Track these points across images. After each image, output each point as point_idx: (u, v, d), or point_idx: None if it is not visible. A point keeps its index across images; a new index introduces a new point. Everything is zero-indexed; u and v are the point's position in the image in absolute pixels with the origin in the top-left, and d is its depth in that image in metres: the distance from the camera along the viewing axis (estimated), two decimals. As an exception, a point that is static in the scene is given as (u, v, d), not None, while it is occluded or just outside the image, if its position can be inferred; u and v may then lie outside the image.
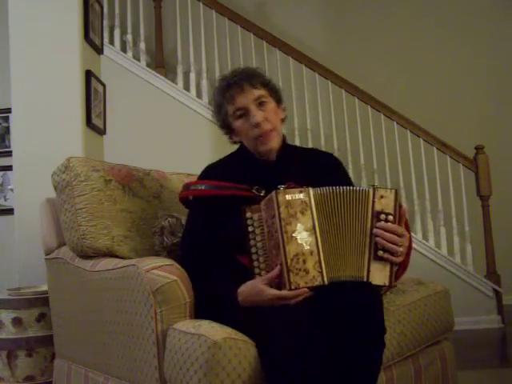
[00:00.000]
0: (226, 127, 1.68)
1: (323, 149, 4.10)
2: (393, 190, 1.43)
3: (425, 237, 4.01)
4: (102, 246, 1.70)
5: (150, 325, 1.40)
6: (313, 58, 4.21)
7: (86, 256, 1.73)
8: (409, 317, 1.65)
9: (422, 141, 4.08)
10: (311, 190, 1.40)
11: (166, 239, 1.82)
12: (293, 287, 1.33)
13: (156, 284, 1.40)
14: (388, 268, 1.40)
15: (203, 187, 1.63)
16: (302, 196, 1.38)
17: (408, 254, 1.49)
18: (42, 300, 2.08)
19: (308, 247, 1.36)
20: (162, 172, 2.02)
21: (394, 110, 4.13)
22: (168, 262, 1.49)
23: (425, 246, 3.93)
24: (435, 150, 4.07)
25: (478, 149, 3.99)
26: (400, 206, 1.45)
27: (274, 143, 1.61)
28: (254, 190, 1.54)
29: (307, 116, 4.19)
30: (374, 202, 1.42)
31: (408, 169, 4.08)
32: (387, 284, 1.40)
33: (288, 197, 1.38)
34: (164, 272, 1.43)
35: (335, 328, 1.31)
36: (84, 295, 1.73)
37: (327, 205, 1.41)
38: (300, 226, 1.36)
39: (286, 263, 1.34)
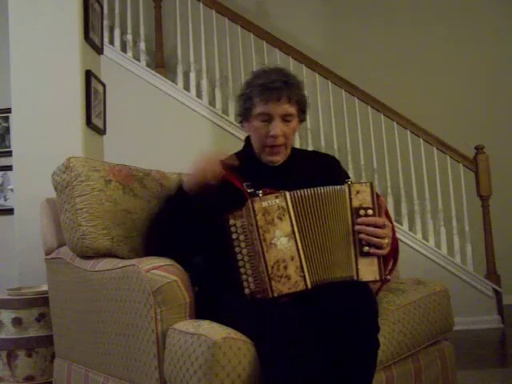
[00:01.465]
0: (244, 116, 1.65)
1: (323, 149, 4.12)
2: (368, 184, 1.43)
3: (425, 237, 4.01)
4: (102, 247, 1.70)
5: (150, 325, 1.40)
6: (313, 58, 4.21)
7: (85, 256, 1.73)
8: (408, 316, 1.65)
9: (421, 141, 4.09)
10: (288, 194, 1.39)
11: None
12: (275, 295, 1.33)
13: (156, 284, 1.40)
14: (376, 262, 1.40)
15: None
16: (278, 201, 1.37)
17: (394, 244, 1.48)
18: (42, 300, 2.08)
19: (288, 253, 1.35)
20: (162, 172, 2.02)
21: (394, 110, 4.14)
22: (168, 262, 1.49)
23: (425, 245, 3.93)
24: (435, 150, 4.07)
25: (478, 149, 4.00)
26: (378, 197, 1.44)
27: (280, 157, 1.62)
28: (244, 184, 1.51)
29: (307, 116, 4.18)
30: (350, 198, 1.41)
31: (408, 169, 4.08)
32: (378, 278, 1.40)
33: (264, 203, 1.37)
34: (164, 272, 1.43)
35: (329, 328, 1.31)
36: (84, 295, 1.73)
37: (306, 207, 1.40)
38: (278, 232, 1.36)
39: (267, 271, 1.34)
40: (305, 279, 1.35)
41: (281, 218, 1.37)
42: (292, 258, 1.35)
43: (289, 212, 1.38)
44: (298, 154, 1.73)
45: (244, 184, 1.51)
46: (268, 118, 1.58)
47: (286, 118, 1.60)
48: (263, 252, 1.35)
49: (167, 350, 1.35)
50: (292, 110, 1.60)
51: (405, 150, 4.09)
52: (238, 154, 1.72)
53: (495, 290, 3.88)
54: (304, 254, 1.36)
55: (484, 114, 4.81)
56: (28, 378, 2.07)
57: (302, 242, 1.37)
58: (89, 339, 1.71)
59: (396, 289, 1.75)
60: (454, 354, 1.85)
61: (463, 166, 4.05)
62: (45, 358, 2.09)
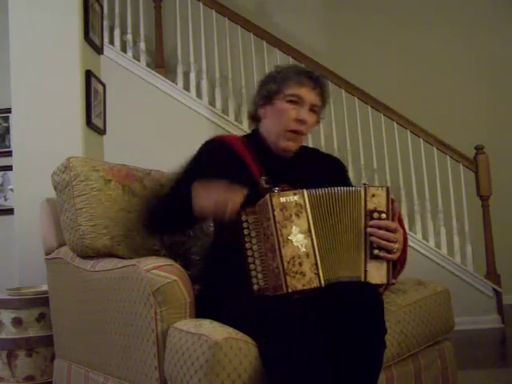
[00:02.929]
0: (265, 99, 1.63)
1: (323, 149, 4.11)
2: (384, 188, 1.43)
3: (425, 237, 4.01)
4: (102, 246, 1.70)
5: (150, 325, 1.40)
6: (313, 57, 4.21)
7: (85, 256, 1.73)
8: (409, 317, 1.65)
9: (421, 141, 4.08)
10: (306, 192, 1.39)
11: (165, 238, 1.82)
12: (290, 290, 1.33)
13: (156, 284, 1.40)
14: (385, 266, 1.40)
15: (234, 139, 1.64)
16: (296, 198, 1.38)
17: (404, 250, 1.48)
18: (41, 300, 2.08)
19: (304, 249, 1.35)
20: (162, 172, 2.02)
21: (394, 110, 4.13)
22: (168, 262, 1.49)
23: (425, 245, 3.93)
24: (435, 149, 4.07)
25: (478, 149, 3.99)
26: (392, 202, 1.45)
27: (295, 146, 1.62)
28: (263, 177, 1.52)
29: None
30: (366, 201, 1.42)
31: (408, 169, 4.08)
32: (385, 282, 1.40)
33: (282, 199, 1.37)
34: (164, 272, 1.42)
35: (336, 329, 1.32)
36: (84, 295, 1.73)
37: (322, 206, 1.40)
38: (295, 228, 1.36)
39: (283, 266, 1.34)
40: (319, 277, 1.35)
41: (298, 215, 1.37)
42: (307, 255, 1.35)
43: (306, 210, 1.38)
44: (306, 149, 1.74)
45: (262, 178, 1.51)
46: (298, 101, 1.58)
47: (313, 108, 1.61)
48: (280, 247, 1.35)
49: (168, 349, 1.35)
50: (320, 103, 1.62)
51: (405, 150, 4.09)
52: (246, 138, 1.70)
53: (495, 290, 3.88)
54: (319, 251, 1.37)
55: (484, 114, 4.81)
56: (28, 378, 2.06)
57: (317, 240, 1.37)
58: (89, 339, 1.71)
59: (397, 289, 1.74)
60: (454, 354, 1.84)
61: (463, 166, 4.04)
62: (45, 357, 2.08)
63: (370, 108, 4.15)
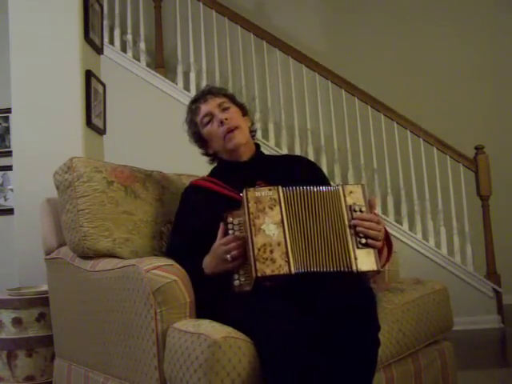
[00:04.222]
0: (200, 140, 1.82)
1: (323, 149, 4.12)
2: (360, 185, 1.52)
3: (425, 237, 4.01)
4: (103, 248, 1.70)
5: (150, 325, 1.40)
6: (313, 57, 4.21)
7: (86, 256, 1.73)
8: (407, 315, 1.66)
9: (421, 141, 4.09)
10: (280, 188, 1.47)
11: (164, 244, 1.82)
12: (259, 275, 1.38)
13: (156, 284, 1.40)
14: (373, 254, 1.45)
15: (203, 181, 1.78)
16: (271, 193, 1.46)
17: (387, 240, 1.57)
18: (42, 300, 2.08)
19: (276, 239, 1.41)
20: (163, 173, 2.02)
21: (394, 110, 4.14)
22: (168, 262, 1.49)
23: (425, 245, 3.93)
24: (435, 149, 4.07)
25: (478, 149, 4.00)
26: (369, 199, 1.53)
27: (239, 139, 1.73)
28: (240, 194, 1.56)
29: (307, 116, 4.19)
30: (345, 197, 1.49)
31: (408, 169, 4.08)
32: (375, 269, 1.44)
33: (257, 193, 1.45)
34: (164, 272, 1.43)
35: (329, 326, 1.32)
36: (84, 295, 1.73)
37: (297, 202, 1.47)
38: (268, 219, 1.43)
39: (253, 253, 1.39)
40: (289, 264, 1.39)
41: (272, 208, 1.44)
42: (278, 244, 1.41)
43: (280, 203, 1.45)
44: (269, 157, 1.90)
45: (240, 194, 1.55)
46: (209, 118, 1.76)
47: (222, 107, 1.76)
48: (252, 236, 1.41)
49: (167, 349, 1.35)
50: (222, 99, 1.79)
51: (405, 150, 4.09)
52: (212, 170, 1.84)
53: (495, 290, 3.88)
54: (291, 241, 1.42)
55: (484, 114, 4.81)
56: (28, 378, 2.07)
57: (289, 231, 1.43)
58: (89, 339, 1.72)
59: (395, 288, 1.75)
60: (453, 354, 1.85)
61: (463, 166, 4.05)
62: (45, 357, 2.09)
63: (369, 108, 4.15)
